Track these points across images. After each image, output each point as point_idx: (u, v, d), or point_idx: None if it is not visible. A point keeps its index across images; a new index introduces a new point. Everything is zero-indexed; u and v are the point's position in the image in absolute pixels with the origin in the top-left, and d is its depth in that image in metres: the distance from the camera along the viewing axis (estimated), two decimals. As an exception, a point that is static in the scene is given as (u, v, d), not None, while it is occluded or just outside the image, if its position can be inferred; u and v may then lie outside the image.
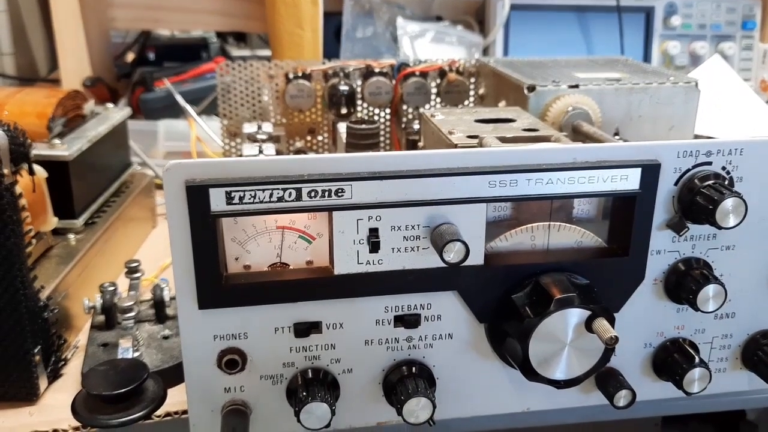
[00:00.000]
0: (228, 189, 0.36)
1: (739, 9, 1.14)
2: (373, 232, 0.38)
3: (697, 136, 0.64)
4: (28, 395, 0.46)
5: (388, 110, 0.73)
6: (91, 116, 0.68)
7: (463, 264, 0.38)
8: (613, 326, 0.38)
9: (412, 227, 0.39)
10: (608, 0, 1.09)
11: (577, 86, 0.58)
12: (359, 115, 0.72)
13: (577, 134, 0.55)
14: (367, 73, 0.71)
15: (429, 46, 1.07)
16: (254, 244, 0.40)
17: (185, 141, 0.87)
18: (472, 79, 0.72)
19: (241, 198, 0.36)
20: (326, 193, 0.37)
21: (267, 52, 1.18)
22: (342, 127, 0.63)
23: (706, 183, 0.40)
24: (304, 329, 0.40)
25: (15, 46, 1.14)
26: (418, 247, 0.39)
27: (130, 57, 1.25)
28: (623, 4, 1.09)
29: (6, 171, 0.42)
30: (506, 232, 0.41)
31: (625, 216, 0.41)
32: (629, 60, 0.72)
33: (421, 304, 0.41)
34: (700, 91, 0.60)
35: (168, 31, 1.35)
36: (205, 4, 1.10)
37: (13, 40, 1.14)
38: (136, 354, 0.49)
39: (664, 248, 0.42)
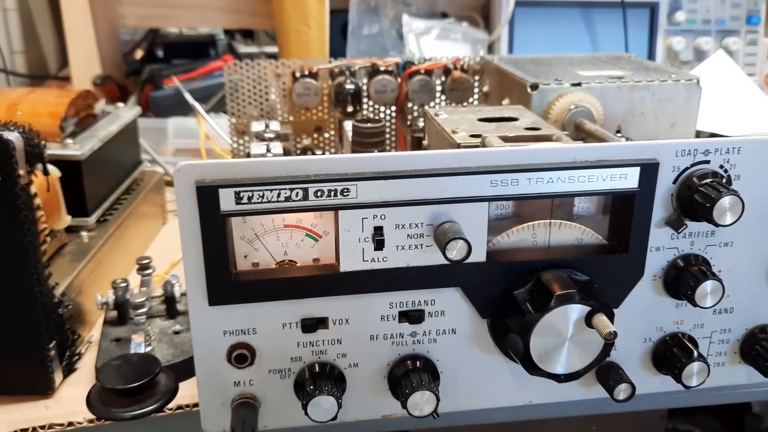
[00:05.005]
0: (237, 189, 0.37)
1: (744, 4, 1.13)
2: (378, 230, 0.39)
3: (699, 133, 0.65)
4: (43, 389, 0.48)
5: (393, 108, 0.73)
6: (102, 116, 0.69)
7: (465, 261, 0.39)
8: (612, 321, 0.39)
9: (416, 225, 0.40)
10: (613, -5, 1.09)
11: (579, 84, 0.59)
12: (365, 112, 0.73)
13: (580, 132, 0.56)
14: (373, 71, 0.72)
15: (434, 42, 1.07)
16: (262, 243, 0.41)
17: (194, 138, 0.89)
18: (477, 77, 0.73)
19: (249, 198, 0.37)
20: (332, 193, 0.38)
21: (274, 49, 1.19)
22: (348, 125, 0.64)
23: (704, 181, 0.41)
24: (311, 325, 0.41)
25: (25, 44, 1.16)
26: (421, 244, 0.40)
27: (139, 54, 1.26)
28: (628, 0, 1.09)
29: (21, 171, 0.44)
30: (508, 229, 0.42)
31: (625, 214, 0.42)
32: (632, 57, 0.73)
33: (424, 300, 0.42)
34: (702, 88, 0.61)
35: (176, 28, 1.36)
36: (213, 1, 1.11)
37: (24, 38, 1.15)
38: (148, 349, 0.50)
39: (663, 245, 0.43)
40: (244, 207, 0.38)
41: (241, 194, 0.37)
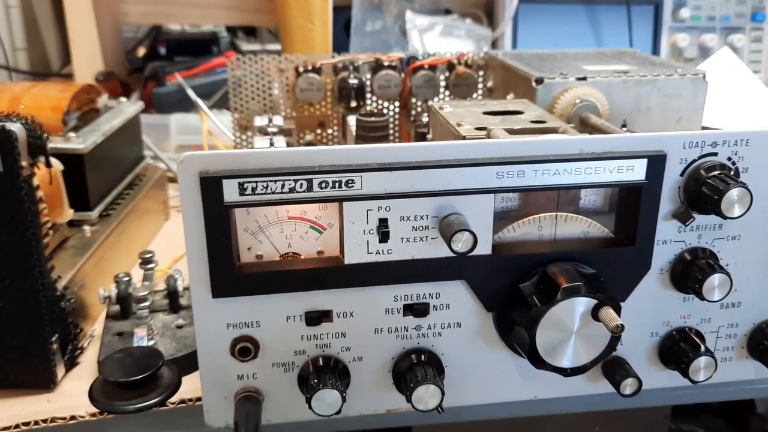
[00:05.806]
0: (241, 180, 0.37)
1: (749, 1, 1.13)
2: (383, 222, 0.39)
3: (705, 128, 0.64)
4: (46, 383, 0.47)
5: (397, 103, 0.73)
6: (104, 110, 0.69)
7: (471, 254, 0.38)
8: (619, 315, 0.39)
9: (421, 217, 0.39)
10: (617, -8, 1.09)
11: (584, 78, 0.58)
12: (369, 108, 0.73)
13: (585, 126, 0.56)
14: (377, 66, 0.71)
15: (438, 39, 1.07)
16: (266, 235, 0.40)
17: (197, 134, 0.88)
18: (481, 72, 0.73)
19: (253, 189, 0.37)
20: (337, 184, 0.38)
21: (276, 47, 1.19)
22: (352, 120, 0.63)
23: (712, 173, 0.40)
24: (316, 318, 0.41)
25: (28, 41, 1.15)
26: (426, 237, 0.40)
27: (142, 51, 1.26)
28: (632, -4, 1.09)
29: (24, 163, 0.43)
30: (514, 222, 0.42)
31: (632, 206, 0.42)
32: (637, 52, 0.73)
33: (429, 294, 0.42)
34: (708, 83, 0.61)
35: (179, 25, 1.36)
36: (216, -2, 1.11)
37: (26, 35, 1.15)
38: (151, 343, 0.50)
39: (670, 238, 0.43)
40: (248, 198, 0.37)
41: (245, 185, 0.37)
